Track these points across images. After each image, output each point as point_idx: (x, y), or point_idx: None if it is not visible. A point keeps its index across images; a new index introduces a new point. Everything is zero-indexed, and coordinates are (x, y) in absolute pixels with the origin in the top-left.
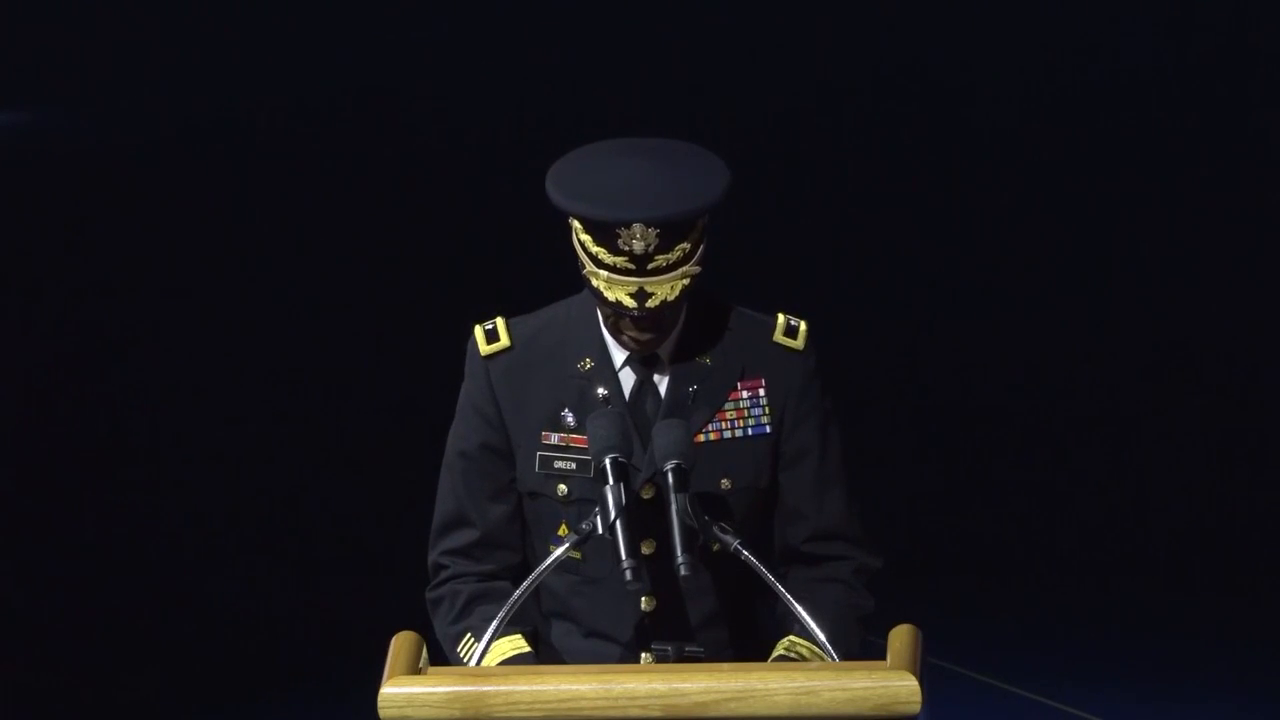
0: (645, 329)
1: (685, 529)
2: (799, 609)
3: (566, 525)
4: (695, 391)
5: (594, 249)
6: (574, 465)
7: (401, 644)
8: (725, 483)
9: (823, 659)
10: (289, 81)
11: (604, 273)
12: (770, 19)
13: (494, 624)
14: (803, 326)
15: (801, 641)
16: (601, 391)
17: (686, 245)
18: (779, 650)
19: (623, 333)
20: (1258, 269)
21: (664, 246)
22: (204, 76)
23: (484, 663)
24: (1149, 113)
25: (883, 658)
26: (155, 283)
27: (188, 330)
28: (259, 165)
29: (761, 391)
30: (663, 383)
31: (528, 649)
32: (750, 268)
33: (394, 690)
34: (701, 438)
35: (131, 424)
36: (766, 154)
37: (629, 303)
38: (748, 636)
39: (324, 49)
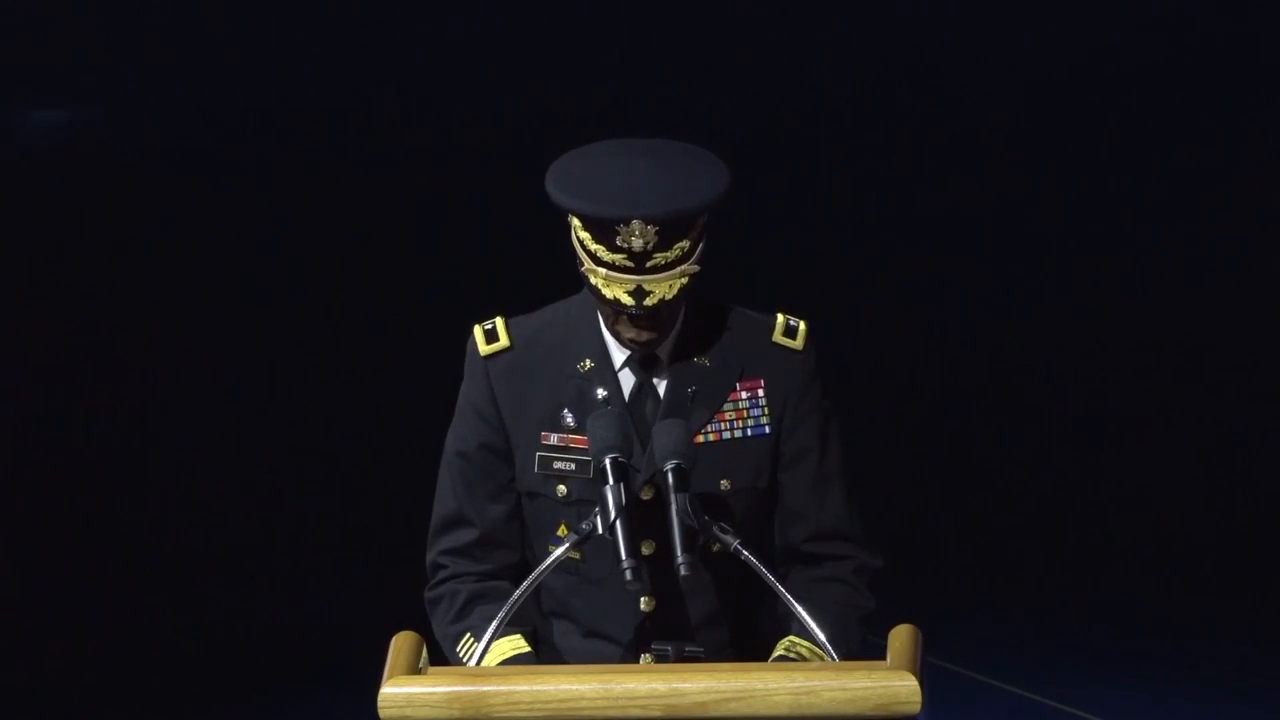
0: (643, 328)
1: (685, 529)
2: (799, 609)
3: (566, 525)
4: (694, 392)
5: (593, 246)
6: (573, 465)
7: (401, 644)
8: (725, 483)
9: (823, 659)
10: (288, 82)
11: (602, 270)
12: (770, 19)
13: (494, 624)
14: (802, 326)
15: (801, 641)
16: (601, 392)
17: (685, 243)
18: (779, 650)
19: (621, 332)
20: (1258, 268)
21: (663, 244)
22: (203, 79)
23: (484, 663)
24: (1149, 112)
25: (883, 658)
26: (149, 282)
27: (187, 330)
28: (258, 166)
29: (761, 392)
30: (662, 383)
31: (528, 649)
32: (749, 268)
33: (394, 690)
34: (701, 438)
35: (132, 425)
36: (766, 153)
37: (627, 300)
38: (748, 636)
39: (324, 49)
